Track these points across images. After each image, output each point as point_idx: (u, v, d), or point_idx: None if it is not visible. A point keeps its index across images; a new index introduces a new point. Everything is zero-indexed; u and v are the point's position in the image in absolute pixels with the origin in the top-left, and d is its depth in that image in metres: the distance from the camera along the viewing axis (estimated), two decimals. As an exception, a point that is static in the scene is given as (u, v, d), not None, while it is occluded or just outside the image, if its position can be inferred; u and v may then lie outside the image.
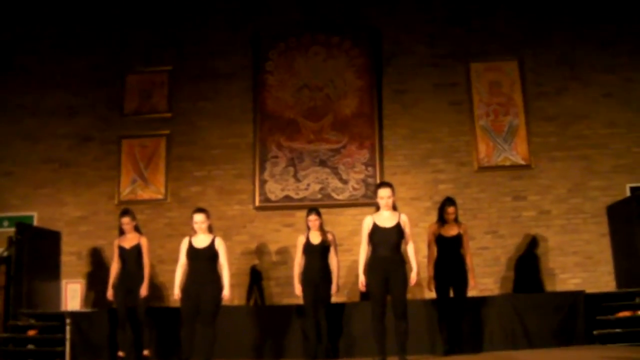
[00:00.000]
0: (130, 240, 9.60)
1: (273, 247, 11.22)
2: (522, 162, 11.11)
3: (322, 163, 11.42)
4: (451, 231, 9.07)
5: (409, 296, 8.04)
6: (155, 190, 11.72)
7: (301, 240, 9.41)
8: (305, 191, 11.36)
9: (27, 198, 11.91)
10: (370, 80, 11.67)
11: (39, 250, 10.94)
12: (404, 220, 7.90)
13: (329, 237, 9.40)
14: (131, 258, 9.51)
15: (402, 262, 7.81)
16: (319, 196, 11.29)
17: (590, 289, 9.88)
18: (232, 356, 9.21)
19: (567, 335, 9.21)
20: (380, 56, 11.75)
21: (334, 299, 9.44)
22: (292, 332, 9.62)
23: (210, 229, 8.58)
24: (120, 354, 9.35)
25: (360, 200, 11.18)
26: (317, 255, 9.26)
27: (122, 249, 9.57)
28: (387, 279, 7.68)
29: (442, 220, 9.14)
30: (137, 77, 12.22)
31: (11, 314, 10.42)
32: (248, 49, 12.03)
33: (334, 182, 11.33)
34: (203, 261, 8.36)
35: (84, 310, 11.03)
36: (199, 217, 8.49)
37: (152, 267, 9.83)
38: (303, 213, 9.90)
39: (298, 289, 9.28)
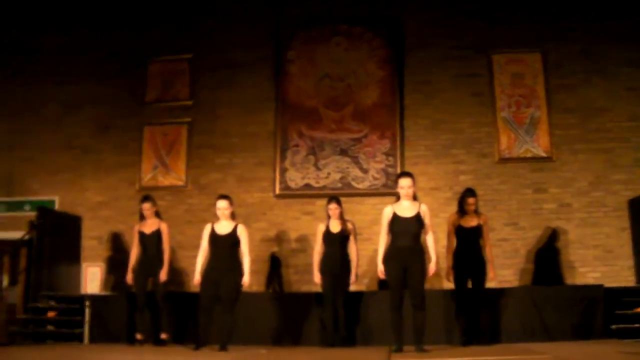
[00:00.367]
0: (150, 225, 9.65)
1: (292, 235, 11.25)
2: (544, 154, 11.06)
3: (343, 152, 11.42)
4: (471, 222, 9.05)
5: (427, 286, 8.03)
6: (175, 177, 11.79)
7: (321, 229, 9.41)
8: (326, 180, 11.37)
9: (48, 183, 12.03)
10: (392, 71, 11.65)
11: (59, 234, 11.07)
12: (424, 210, 7.88)
13: (349, 226, 9.40)
14: (151, 243, 9.56)
15: (421, 252, 7.79)
16: (339, 185, 11.30)
17: (609, 283, 9.82)
18: (250, 342, 9.24)
19: (586, 329, 9.17)
20: (402, 47, 11.71)
21: (353, 288, 9.44)
22: (309, 320, 9.66)
23: (232, 216, 8.62)
24: (138, 336, 9.41)
25: (380, 189, 11.18)
26: (336, 244, 9.26)
27: (142, 234, 9.62)
28: (406, 269, 7.67)
29: (462, 211, 9.12)
30: (158, 65, 12.29)
31: (32, 296, 10.53)
32: (269, 38, 12.05)
33: (355, 171, 11.34)
34: (224, 248, 8.40)
35: (103, 293, 11.13)
36: (222, 204, 8.53)
37: (171, 252, 9.86)
38: (323, 201, 9.92)
39: (317, 277, 9.28)
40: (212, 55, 12.13)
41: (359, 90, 11.66)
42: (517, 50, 11.45)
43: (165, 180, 11.82)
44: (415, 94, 11.55)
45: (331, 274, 9.14)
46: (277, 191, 11.46)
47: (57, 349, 8.88)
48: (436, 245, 8.05)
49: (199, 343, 8.30)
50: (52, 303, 10.42)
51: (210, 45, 12.19)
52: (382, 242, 7.92)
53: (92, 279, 11.39)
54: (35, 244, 10.77)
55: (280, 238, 11.29)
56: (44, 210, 11.03)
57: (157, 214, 9.78)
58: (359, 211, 10.95)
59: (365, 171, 11.33)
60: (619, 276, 10.44)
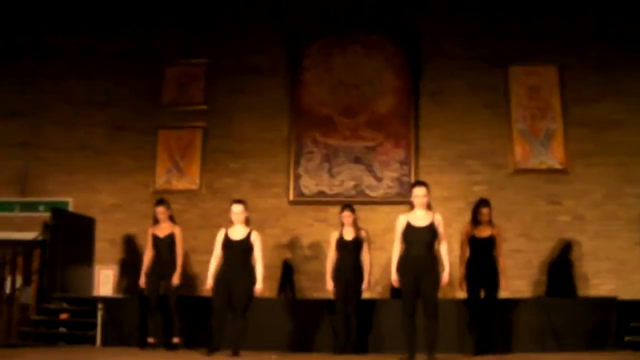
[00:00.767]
0: (164, 229, 9.65)
1: (305, 242, 11.28)
2: (559, 167, 11.06)
3: (357, 160, 11.44)
4: (484, 232, 9.04)
5: (440, 296, 8.01)
6: (189, 181, 11.83)
7: (334, 236, 9.42)
8: (340, 187, 11.40)
9: (62, 184, 12.07)
10: (408, 80, 11.67)
11: (73, 236, 11.10)
12: (438, 219, 7.87)
13: (362, 233, 9.40)
14: (164, 247, 9.57)
15: (434, 261, 7.78)
16: (353, 192, 11.32)
17: (623, 296, 9.77)
18: (262, 348, 9.21)
19: (598, 341, 9.14)
20: (419, 57, 11.72)
21: (365, 295, 9.44)
22: (321, 327, 9.65)
23: (247, 222, 8.63)
24: (150, 340, 9.42)
25: (394, 198, 11.20)
26: (349, 251, 9.27)
27: (155, 238, 9.62)
28: (420, 278, 7.65)
29: (475, 221, 9.12)
30: (174, 69, 12.34)
31: (44, 297, 10.57)
32: (285, 45, 12.08)
33: (368, 180, 11.36)
34: (238, 253, 8.42)
35: (116, 296, 11.14)
36: (237, 208, 8.56)
37: (184, 256, 9.87)
38: (336, 208, 9.94)
39: (330, 284, 9.28)
40: (228, 61, 12.16)
41: (374, 98, 11.68)
42: (534, 63, 11.45)
43: (179, 184, 11.85)
44: (430, 103, 11.56)
45: (344, 281, 9.14)
46: (291, 197, 11.49)
47: (69, 351, 8.91)
48: (449, 255, 8.02)
49: (211, 348, 8.31)
50: (65, 305, 10.43)
51: (226, 50, 12.23)
52: (396, 250, 7.90)
53: (105, 281, 11.41)
54: (49, 244, 10.82)
55: (293, 244, 11.31)
56: (58, 212, 11.07)
57: (171, 218, 9.78)
58: (372, 219, 10.89)
59: (379, 179, 11.34)
60: (633, 289, 10.35)
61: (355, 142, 11.53)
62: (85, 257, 11.42)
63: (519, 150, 11.19)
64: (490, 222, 9.13)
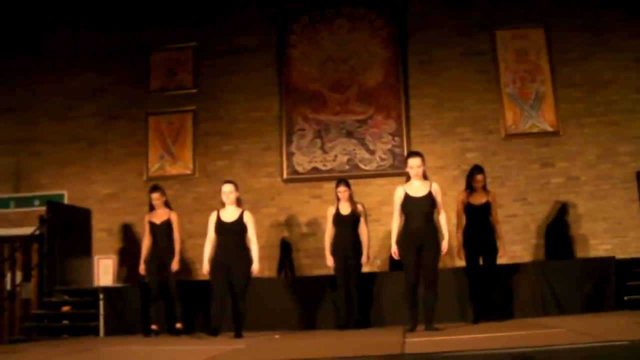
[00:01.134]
0: (160, 215, 9.63)
1: (302, 219, 11.29)
2: (550, 129, 11.06)
3: (349, 134, 11.43)
4: (480, 199, 9.02)
5: (439, 265, 8.02)
6: (183, 166, 11.82)
7: (331, 212, 9.39)
8: (333, 162, 11.39)
9: (56, 177, 12.08)
10: (395, 51, 11.64)
11: (70, 228, 11.08)
12: (436, 189, 7.85)
13: (359, 207, 9.38)
14: (162, 233, 9.55)
15: (434, 232, 7.76)
16: (347, 167, 11.33)
17: (620, 255, 9.83)
18: (264, 328, 9.23)
19: (598, 302, 9.16)
20: (405, 27, 11.69)
21: (364, 269, 9.45)
22: (323, 303, 9.67)
23: (239, 202, 8.60)
24: (154, 327, 9.42)
25: (388, 170, 11.22)
26: (347, 226, 9.25)
27: (152, 225, 9.61)
28: (420, 250, 7.65)
29: (470, 188, 9.08)
30: (162, 54, 12.30)
31: (45, 290, 10.57)
32: (272, 23, 12.06)
33: (361, 153, 11.36)
34: (232, 235, 8.36)
35: (117, 285, 11.14)
36: (227, 187, 8.49)
37: (181, 241, 9.87)
38: (331, 184, 9.93)
39: (330, 259, 9.26)
40: (215, 42, 12.14)
41: (363, 71, 11.65)
42: (520, 26, 11.43)
43: (173, 170, 11.85)
44: (419, 73, 11.55)
45: (343, 256, 9.14)
46: (285, 176, 11.49)
47: (74, 343, 8.90)
48: (447, 224, 8.02)
49: (212, 330, 8.31)
50: (66, 297, 10.43)
51: (212, 31, 12.20)
52: (396, 223, 7.86)
53: (105, 271, 11.42)
54: (47, 238, 10.80)
55: (289, 223, 11.32)
56: (54, 205, 11.04)
57: (167, 204, 9.75)
58: (367, 192, 10.96)
59: (372, 152, 11.34)
60: (630, 247, 10.46)
61: (346, 117, 11.52)
62: (83, 248, 11.41)
63: (510, 115, 11.18)
64: (485, 189, 9.10)
